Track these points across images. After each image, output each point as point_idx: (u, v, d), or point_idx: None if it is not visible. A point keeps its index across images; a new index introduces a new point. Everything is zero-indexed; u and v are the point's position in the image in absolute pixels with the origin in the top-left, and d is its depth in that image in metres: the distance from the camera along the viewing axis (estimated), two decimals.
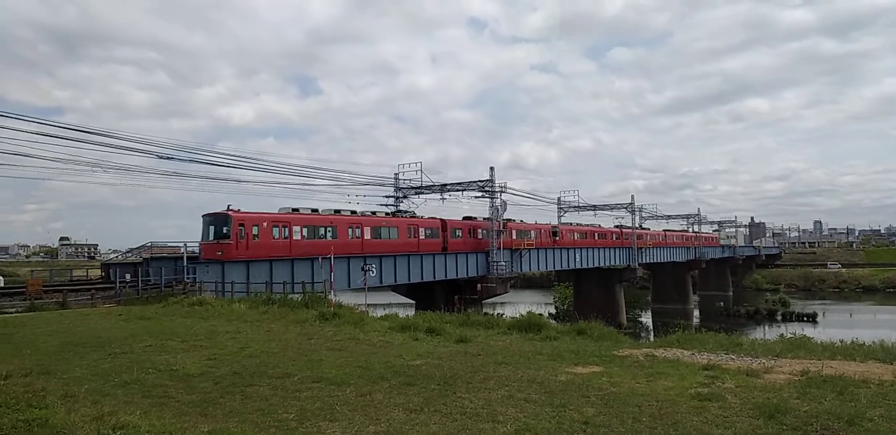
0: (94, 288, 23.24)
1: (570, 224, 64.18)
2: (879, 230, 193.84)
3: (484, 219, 48.01)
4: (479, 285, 45.10)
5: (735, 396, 7.61)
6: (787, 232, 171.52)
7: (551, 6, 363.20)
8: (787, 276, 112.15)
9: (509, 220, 50.33)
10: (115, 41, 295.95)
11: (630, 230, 70.78)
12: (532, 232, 53.58)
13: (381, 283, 38.55)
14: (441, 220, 43.85)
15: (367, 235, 36.49)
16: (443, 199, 47.40)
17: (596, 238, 65.58)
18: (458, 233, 44.78)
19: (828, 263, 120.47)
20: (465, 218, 48.70)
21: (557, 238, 57.54)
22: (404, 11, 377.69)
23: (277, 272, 31.04)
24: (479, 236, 46.74)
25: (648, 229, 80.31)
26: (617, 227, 73.16)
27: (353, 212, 37.76)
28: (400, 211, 43.03)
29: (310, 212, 34.54)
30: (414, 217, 42.49)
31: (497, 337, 13.91)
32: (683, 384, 8.38)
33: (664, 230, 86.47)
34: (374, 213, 39.57)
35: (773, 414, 6.64)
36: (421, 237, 40.57)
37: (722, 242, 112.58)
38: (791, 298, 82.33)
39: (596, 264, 64.07)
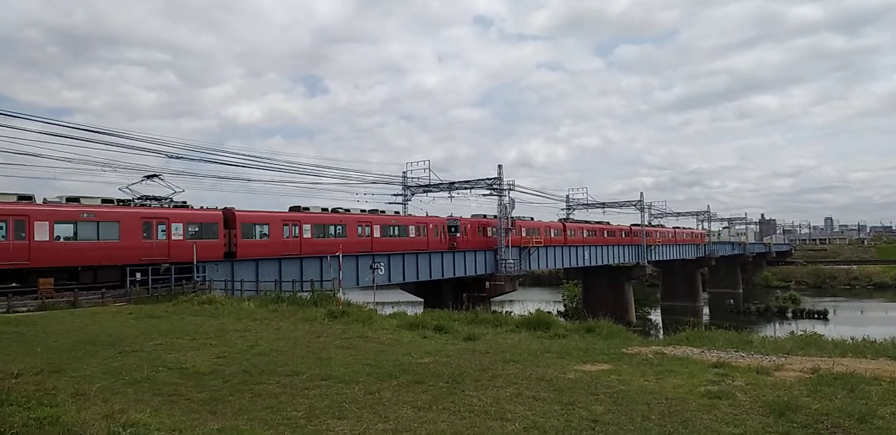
0: (105, 287, 23.39)
1: (485, 216, 49.30)
2: (891, 227, 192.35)
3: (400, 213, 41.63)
4: (487, 283, 45.00)
5: (745, 394, 7.57)
6: (798, 229, 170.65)
7: (557, 4, 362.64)
8: (797, 273, 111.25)
9: (376, 210, 40.59)
10: (124, 42, 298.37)
11: (578, 225, 61.94)
12: (411, 227, 40.57)
13: (390, 281, 38.45)
14: (229, 211, 29.84)
15: (45, 235, 22.80)
16: (451, 197, 47.52)
17: (523, 234, 50.79)
18: (262, 230, 31.02)
19: None
20: (368, 211, 38.70)
21: (459, 235, 44.60)
22: (410, 10, 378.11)
23: (287, 270, 31.16)
24: (296, 234, 32.40)
25: (608, 223, 69.18)
26: (561, 221, 62.11)
27: (26, 197, 23.55)
28: (150, 197, 28.62)
29: None
30: (182, 206, 28.82)
31: (505, 335, 13.89)
32: (693, 382, 8.35)
33: (632, 225, 72.96)
34: (76, 199, 24.99)
35: (784, 412, 6.61)
36: (176, 237, 26.81)
37: (732, 239, 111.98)
38: (802, 295, 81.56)
39: (605, 262, 63.85)
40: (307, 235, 32.68)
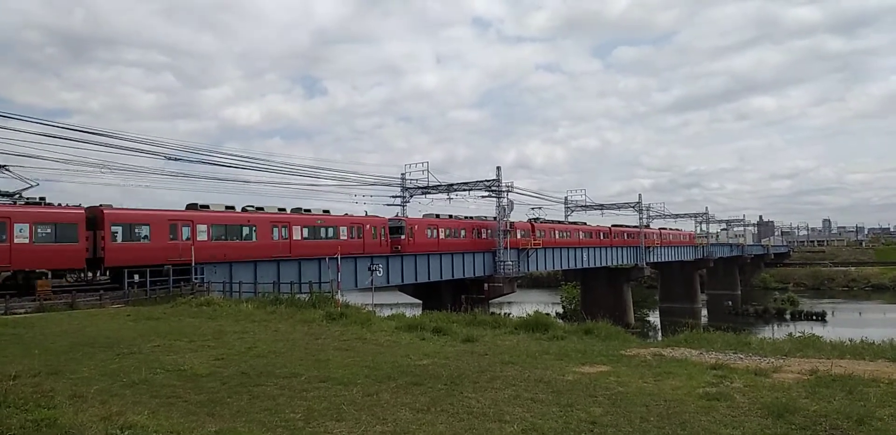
0: (103, 288, 23.36)
1: (437, 216, 45.53)
2: (889, 228, 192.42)
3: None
4: (485, 285, 45.08)
5: (743, 396, 7.57)
6: (796, 230, 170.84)
7: (556, 5, 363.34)
8: (795, 274, 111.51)
9: (300, 209, 35.18)
10: (123, 43, 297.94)
11: (549, 226, 57.68)
12: (342, 229, 35.72)
13: (388, 283, 38.51)
14: (95, 209, 25.53)
15: None
16: (449, 199, 47.54)
17: (483, 236, 47.39)
18: (142, 232, 26.40)
19: None
20: (291, 210, 34.43)
21: (404, 237, 40.47)
22: (409, 11, 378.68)
23: (285, 272, 31.13)
24: (188, 237, 27.81)
25: (584, 224, 66.12)
26: (529, 221, 56.65)
27: None
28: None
29: None
30: (35, 204, 24.52)
31: (504, 336, 13.89)
32: (691, 384, 8.35)
33: (612, 226, 68.80)
34: None
35: (782, 413, 6.61)
36: (20, 240, 22.47)
37: (730, 240, 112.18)
38: (800, 296, 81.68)
39: (603, 264, 63.93)
40: (203, 237, 28.26)
